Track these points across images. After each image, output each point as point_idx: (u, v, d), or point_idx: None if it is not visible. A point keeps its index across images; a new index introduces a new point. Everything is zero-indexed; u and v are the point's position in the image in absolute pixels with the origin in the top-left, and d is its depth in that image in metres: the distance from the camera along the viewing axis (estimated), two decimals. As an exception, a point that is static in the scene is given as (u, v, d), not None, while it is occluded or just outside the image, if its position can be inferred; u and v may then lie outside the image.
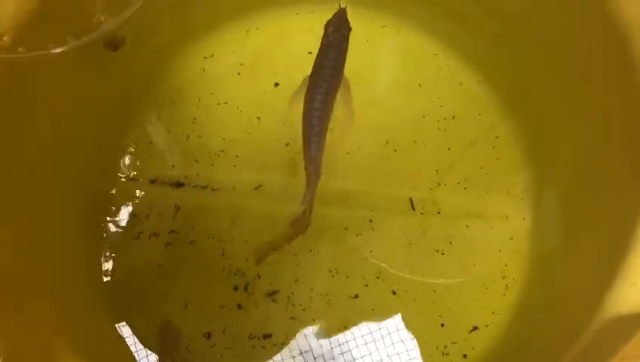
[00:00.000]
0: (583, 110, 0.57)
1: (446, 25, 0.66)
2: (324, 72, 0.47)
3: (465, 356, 0.58)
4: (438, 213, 0.62)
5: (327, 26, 0.48)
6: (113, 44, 0.54)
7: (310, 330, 0.59)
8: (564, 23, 0.56)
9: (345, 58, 0.48)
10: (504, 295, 0.60)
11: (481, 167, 0.64)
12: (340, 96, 0.48)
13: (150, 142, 0.64)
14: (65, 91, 0.55)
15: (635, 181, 0.48)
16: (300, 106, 0.48)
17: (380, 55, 0.68)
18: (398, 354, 0.58)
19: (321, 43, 0.48)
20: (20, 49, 0.48)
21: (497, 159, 0.64)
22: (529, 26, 0.60)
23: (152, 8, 0.51)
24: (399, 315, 0.59)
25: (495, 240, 0.62)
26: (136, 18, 0.51)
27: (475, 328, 0.59)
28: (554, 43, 0.58)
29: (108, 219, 0.61)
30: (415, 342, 0.58)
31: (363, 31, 0.67)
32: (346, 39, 0.48)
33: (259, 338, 0.58)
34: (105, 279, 0.60)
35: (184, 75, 0.66)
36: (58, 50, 0.49)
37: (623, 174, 0.50)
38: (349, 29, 0.48)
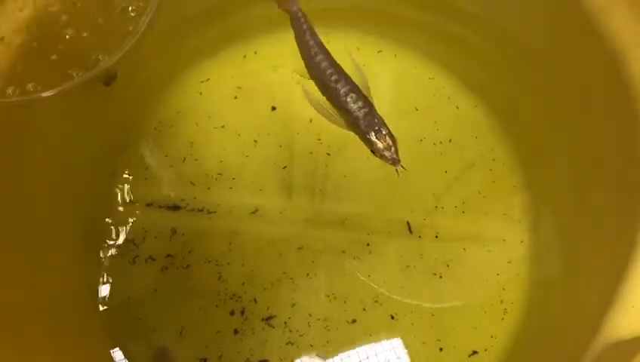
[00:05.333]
0: (579, 133, 0.57)
1: (442, 49, 0.67)
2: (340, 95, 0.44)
3: (464, 381, 0.58)
4: (436, 236, 0.62)
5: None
6: (105, 79, 0.55)
7: (308, 356, 0.58)
8: (560, 47, 0.57)
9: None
10: (503, 319, 0.59)
11: (479, 191, 0.64)
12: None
13: (147, 166, 0.64)
14: (63, 124, 0.56)
15: (632, 204, 0.49)
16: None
17: (377, 79, 0.68)
18: (397, 379, 0.58)
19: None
20: (9, 91, 0.48)
21: (494, 182, 0.64)
22: (524, 49, 0.61)
23: (149, 37, 0.52)
24: (398, 340, 0.58)
25: (493, 263, 0.61)
26: (134, 48, 0.51)
27: (475, 352, 0.58)
28: (549, 66, 0.59)
29: (104, 243, 0.61)
30: (414, 367, 0.58)
31: (359, 55, 0.68)
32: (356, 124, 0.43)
33: (255, 364, 0.58)
34: (101, 304, 0.59)
35: (181, 99, 0.67)
36: (50, 93, 0.49)
37: (620, 198, 0.51)
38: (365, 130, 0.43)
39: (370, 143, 0.42)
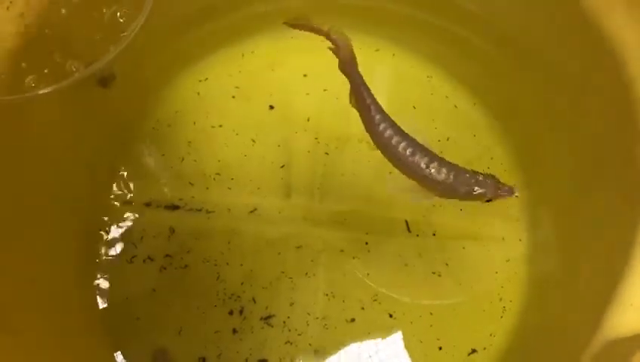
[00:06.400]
0: (578, 133, 0.57)
1: (440, 48, 0.67)
2: (423, 169, 0.41)
3: (463, 380, 0.58)
4: (434, 234, 0.62)
5: (486, 175, 0.41)
6: (103, 81, 0.55)
7: (306, 355, 0.58)
8: (559, 46, 0.57)
9: (447, 196, 0.42)
10: (502, 317, 0.59)
11: (477, 189, 0.63)
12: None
13: (145, 166, 0.64)
14: (60, 124, 0.56)
15: (630, 203, 0.49)
16: None
17: (375, 78, 0.68)
18: (396, 378, 0.58)
19: (461, 167, 0.42)
20: (5, 89, 0.48)
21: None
22: (523, 48, 0.61)
23: (145, 37, 0.52)
24: (396, 339, 0.58)
25: (491, 261, 0.61)
26: (130, 46, 0.51)
27: (474, 351, 0.58)
28: (548, 65, 0.59)
29: (102, 243, 0.61)
30: (413, 365, 0.58)
31: (357, 54, 0.68)
32: (471, 196, 0.41)
33: (254, 363, 0.58)
34: (99, 304, 0.59)
35: (179, 99, 0.67)
36: (46, 91, 0.48)
37: (618, 197, 0.51)
38: (484, 200, 0.42)
39: (480, 196, 0.41)
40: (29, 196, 0.53)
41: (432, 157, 0.41)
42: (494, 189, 0.40)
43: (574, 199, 0.58)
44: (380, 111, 0.42)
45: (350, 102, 0.44)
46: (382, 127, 0.42)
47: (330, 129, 0.65)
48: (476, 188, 0.40)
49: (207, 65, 0.68)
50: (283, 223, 0.62)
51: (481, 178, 0.41)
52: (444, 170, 0.40)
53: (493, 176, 0.41)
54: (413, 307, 0.60)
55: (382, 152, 0.43)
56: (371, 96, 0.43)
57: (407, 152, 0.41)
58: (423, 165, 0.41)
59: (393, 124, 0.42)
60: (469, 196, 0.41)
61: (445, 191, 0.41)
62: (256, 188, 0.63)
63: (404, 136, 0.42)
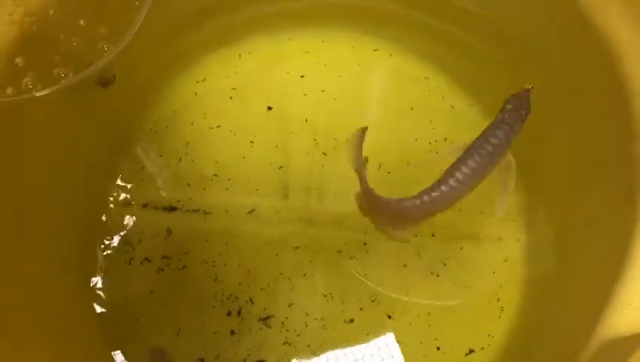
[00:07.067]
0: (575, 132, 0.57)
1: (438, 48, 0.67)
2: (484, 147, 0.45)
3: (462, 380, 0.58)
4: (432, 235, 0.62)
5: (505, 102, 0.46)
6: (103, 81, 0.55)
7: (305, 356, 0.58)
8: (558, 46, 0.57)
9: (512, 140, 0.46)
10: (500, 317, 0.59)
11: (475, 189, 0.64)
12: (497, 179, 0.46)
13: (142, 167, 0.64)
14: (58, 125, 0.56)
15: (628, 202, 0.49)
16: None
17: (372, 78, 0.68)
18: (394, 378, 0.58)
19: (495, 118, 0.46)
20: (4, 91, 0.48)
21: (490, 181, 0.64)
22: (520, 48, 0.61)
23: (144, 38, 0.52)
24: (395, 339, 0.58)
25: (489, 261, 0.61)
26: (128, 47, 0.51)
27: (472, 351, 0.58)
28: (545, 65, 0.59)
29: (99, 244, 0.61)
30: (411, 366, 0.58)
31: (355, 54, 0.68)
32: (521, 121, 0.46)
33: (253, 364, 0.58)
34: (97, 306, 0.59)
35: (177, 99, 0.66)
36: (44, 93, 0.48)
37: (616, 196, 0.51)
38: (528, 112, 0.46)
39: (529, 110, 0.45)
40: (27, 196, 0.53)
41: (482, 143, 0.45)
42: (521, 99, 0.45)
43: (572, 199, 0.58)
44: (419, 198, 0.45)
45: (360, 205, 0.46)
46: (429, 198, 0.45)
47: (327, 130, 0.65)
48: (522, 112, 0.45)
49: (204, 66, 0.68)
50: (281, 224, 0.62)
51: (509, 107, 0.45)
52: (498, 133, 0.44)
53: (506, 101, 0.45)
54: (411, 307, 0.60)
55: (457, 199, 0.46)
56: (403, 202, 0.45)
57: (471, 170, 0.44)
58: (491, 147, 0.44)
59: (429, 191, 0.45)
60: (524, 123, 0.45)
61: (510, 140, 0.45)
62: (254, 189, 0.63)
63: (445, 180, 0.45)
